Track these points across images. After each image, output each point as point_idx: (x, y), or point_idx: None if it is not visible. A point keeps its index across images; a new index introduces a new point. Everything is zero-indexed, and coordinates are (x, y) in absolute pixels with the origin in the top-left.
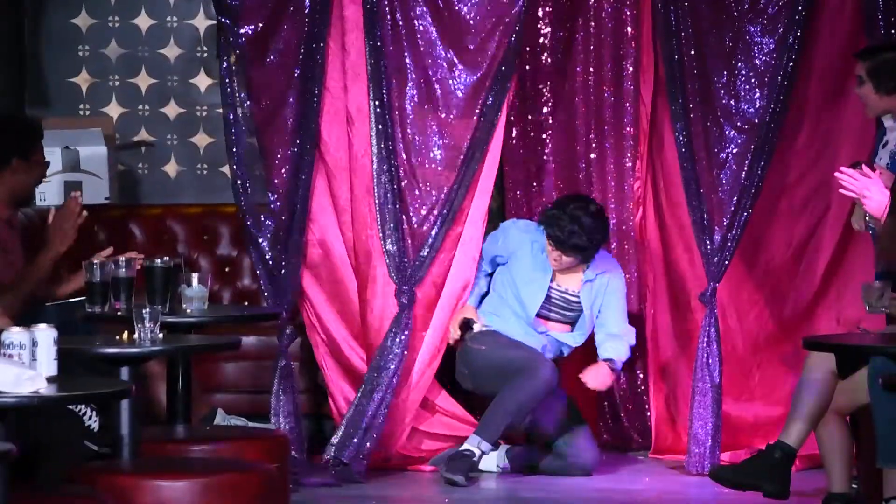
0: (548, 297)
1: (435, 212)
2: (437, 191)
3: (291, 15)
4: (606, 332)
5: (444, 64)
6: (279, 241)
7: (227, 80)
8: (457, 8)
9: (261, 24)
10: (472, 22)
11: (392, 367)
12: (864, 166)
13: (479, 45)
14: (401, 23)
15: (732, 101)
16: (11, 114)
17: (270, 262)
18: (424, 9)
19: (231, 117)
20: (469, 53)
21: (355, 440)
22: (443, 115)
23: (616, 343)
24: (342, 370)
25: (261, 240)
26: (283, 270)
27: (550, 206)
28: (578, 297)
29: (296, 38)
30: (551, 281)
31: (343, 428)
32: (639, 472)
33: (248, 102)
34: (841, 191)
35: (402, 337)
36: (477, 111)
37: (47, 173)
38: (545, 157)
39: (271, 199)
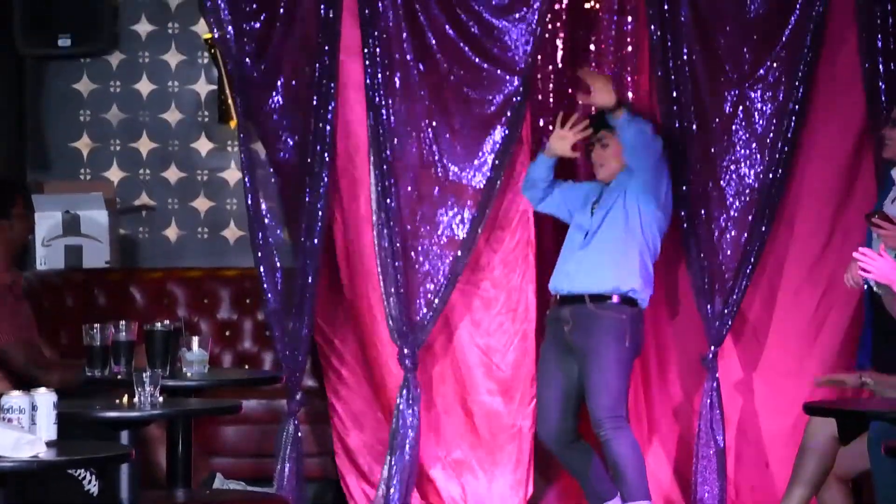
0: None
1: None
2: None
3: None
4: None
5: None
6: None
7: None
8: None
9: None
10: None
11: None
12: (878, 215)
13: (481, 99)
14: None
15: (732, 166)
16: None
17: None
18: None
19: (248, 179)
20: (470, 107)
21: None
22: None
23: None
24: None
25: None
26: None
27: None
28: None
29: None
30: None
31: None
32: None
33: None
34: (860, 272)
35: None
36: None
37: (48, 238)
38: None
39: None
